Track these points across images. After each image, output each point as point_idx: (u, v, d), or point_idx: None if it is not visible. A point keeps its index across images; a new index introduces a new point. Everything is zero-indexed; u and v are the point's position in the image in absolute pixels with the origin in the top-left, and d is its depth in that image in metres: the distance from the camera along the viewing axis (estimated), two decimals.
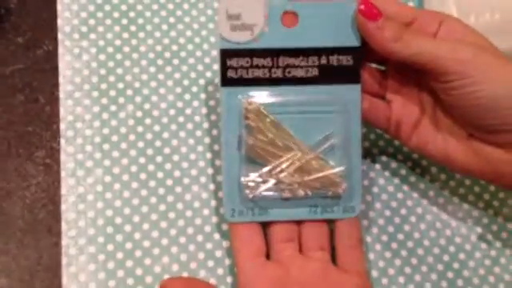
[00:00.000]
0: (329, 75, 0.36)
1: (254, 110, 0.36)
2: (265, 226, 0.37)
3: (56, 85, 0.41)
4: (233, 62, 0.36)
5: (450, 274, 0.40)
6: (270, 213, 0.36)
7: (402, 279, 0.39)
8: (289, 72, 0.36)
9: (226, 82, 0.36)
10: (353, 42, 0.35)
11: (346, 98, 0.36)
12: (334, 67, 0.35)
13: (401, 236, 0.40)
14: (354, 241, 0.36)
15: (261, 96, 0.36)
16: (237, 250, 0.35)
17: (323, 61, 0.36)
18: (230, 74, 0.36)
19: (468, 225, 0.42)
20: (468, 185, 0.43)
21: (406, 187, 0.42)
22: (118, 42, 0.42)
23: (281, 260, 0.35)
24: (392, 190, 0.42)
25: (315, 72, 0.36)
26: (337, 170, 0.36)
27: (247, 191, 0.36)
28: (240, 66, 0.36)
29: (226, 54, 0.36)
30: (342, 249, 0.36)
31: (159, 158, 0.40)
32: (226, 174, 0.36)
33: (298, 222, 0.36)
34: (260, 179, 0.36)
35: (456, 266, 0.40)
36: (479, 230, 0.42)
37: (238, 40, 0.36)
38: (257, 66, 0.36)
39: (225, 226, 0.39)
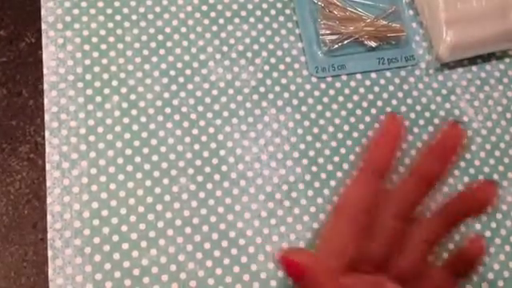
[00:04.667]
0: None
1: None
2: None
3: (40, 78, 0.40)
4: None
5: None
6: (347, 67, 0.43)
7: None
8: None
9: None
10: None
11: None
12: None
13: None
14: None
15: None
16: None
17: None
18: None
19: (467, 223, 0.41)
20: (466, 182, 0.42)
21: None
22: (102, 32, 0.41)
23: None
24: None
25: None
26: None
27: (325, 47, 0.43)
28: None
29: None
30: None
31: (146, 150, 0.39)
32: (305, 38, 0.43)
33: None
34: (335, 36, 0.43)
35: None
36: (478, 227, 0.41)
37: None
38: None
39: (213, 218, 0.39)
